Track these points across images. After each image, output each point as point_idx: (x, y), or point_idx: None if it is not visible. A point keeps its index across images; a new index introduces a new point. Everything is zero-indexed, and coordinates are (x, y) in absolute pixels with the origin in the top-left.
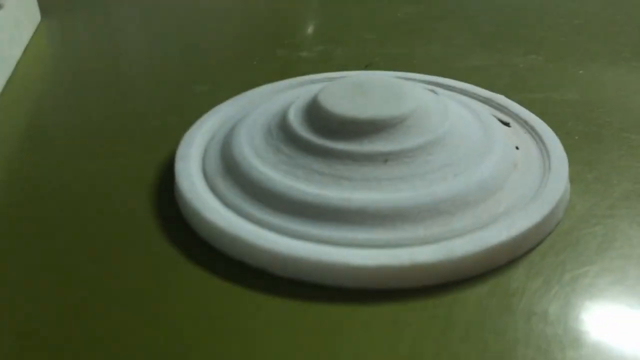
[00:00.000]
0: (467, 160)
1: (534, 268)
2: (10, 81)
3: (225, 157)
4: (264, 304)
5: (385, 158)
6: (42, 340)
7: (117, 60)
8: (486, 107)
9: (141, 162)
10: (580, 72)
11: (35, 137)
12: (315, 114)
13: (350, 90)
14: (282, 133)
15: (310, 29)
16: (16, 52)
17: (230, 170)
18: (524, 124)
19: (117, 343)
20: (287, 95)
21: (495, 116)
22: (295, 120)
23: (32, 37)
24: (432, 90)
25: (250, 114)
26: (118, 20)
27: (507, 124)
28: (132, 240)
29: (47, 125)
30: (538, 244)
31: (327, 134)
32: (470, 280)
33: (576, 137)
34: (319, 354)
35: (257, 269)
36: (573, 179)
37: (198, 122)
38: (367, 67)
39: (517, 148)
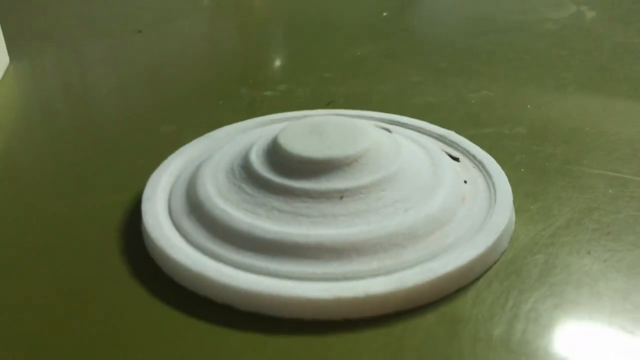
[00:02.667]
0: (418, 195)
1: (480, 296)
2: None
3: (190, 196)
4: (228, 338)
5: (341, 195)
6: None
7: (86, 101)
8: (438, 143)
9: (109, 203)
10: (528, 106)
11: (3, 178)
12: (275, 154)
13: (309, 131)
14: (244, 173)
15: (272, 69)
16: None
17: (195, 210)
18: (473, 158)
19: None
20: (250, 136)
21: (446, 152)
22: (256, 160)
23: (1, 80)
24: (387, 129)
25: (214, 154)
26: (86, 61)
27: (456, 159)
28: (99, 278)
29: (14, 166)
30: (484, 273)
31: (287, 173)
32: (420, 309)
33: (522, 170)
34: None
35: (222, 304)
36: (518, 210)
37: (164, 164)
38: (328, 105)
39: (465, 182)
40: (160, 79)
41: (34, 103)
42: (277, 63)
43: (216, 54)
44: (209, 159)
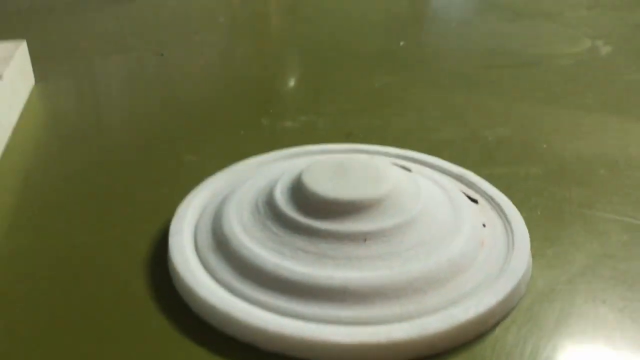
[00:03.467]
0: (439, 239)
1: (499, 342)
2: (7, 148)
3: (216, 232)
4: None
5: (364, 237)
6: None
7: (109, 126)
8: (456, 183)
9: (135, 234)
10: (544, 146)
11: (30, 207)
12: (300, 194)
13: (332, 171)
14: (269, 211)
15: (292, 97)
16: (13, 118)
17: (221, 246)
18: (491, 200)
19: None
20: (272, 170)
21: (464, 192)
22: (281, 198)
23: (27, 101)
24: (406, 168)
25: (238, 188)
26: (108, 83)
27: (475, 201)
28: (127, 314)
29: (37, 192)
30: (503, 319)
31: (311, 213)
32: (441, 355)
33: (538, 213)
34: None
35: (247, 344)
36: (535, 254)
37: (189, 196)
38: (347, 137)
39: (484, 225)
40: (181, 102)
41: (57, 128)
42: (297, 92)
43: (235, 77)
44: (233, 194)
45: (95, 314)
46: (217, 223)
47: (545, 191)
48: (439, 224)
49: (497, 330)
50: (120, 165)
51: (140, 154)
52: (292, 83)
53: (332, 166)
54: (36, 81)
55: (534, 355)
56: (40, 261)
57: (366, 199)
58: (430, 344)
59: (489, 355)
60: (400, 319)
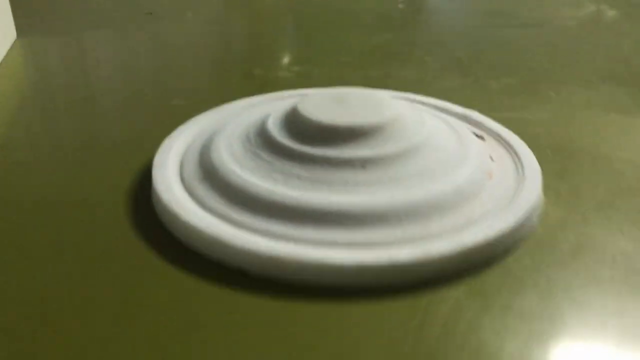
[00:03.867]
0: (443, 168)
1: (510, 270)
2: None
3: (204, 163)
4: (241, 302)
5: (363, 163)
6: (24, 338)
7: (94, 76)
8: (461, 122)
9: (119, 170)
10: (552, 94)
11: (17, 146)
12: (295, 122)
13: (330, 101)
14: (261, 140)
15: (287, 52)
16: None
17: (209, 176)
18: (499, 137)
19: (97, 342)
20: (265, 108)
21: (470, 130)
22: (274, 128)
23: (7, 53)
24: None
25: (228, 124)
26: (94, 42)
27: (481, 138)
28: (110, 243)
29: (25, 138)
30: (513, 249)
31: (306, 140)
32: (447, 279)
33: (548, 152)
34: (301, 349)
35: (236, 269)
36: (546, 190)
37: (176, 132)
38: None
39: (491, 159)
40: (171, 60)
41: (40, 77)
42: (291, 47)
43: (227, 39)
44: (223, 128)
45: (79, 243)
46: (205, 154)
47: (555, 133)
48: (444, 153)
49: (509, 258)
50: (104, 110)
51: (126, 101)
52: (287, 40)
53: (330, 97)
54: (18, 36)
55: (549, 283)
56: (25, 196)
57: (366, 124)
58: (435, 267)
59: (500, 283)
60: (402, 242)
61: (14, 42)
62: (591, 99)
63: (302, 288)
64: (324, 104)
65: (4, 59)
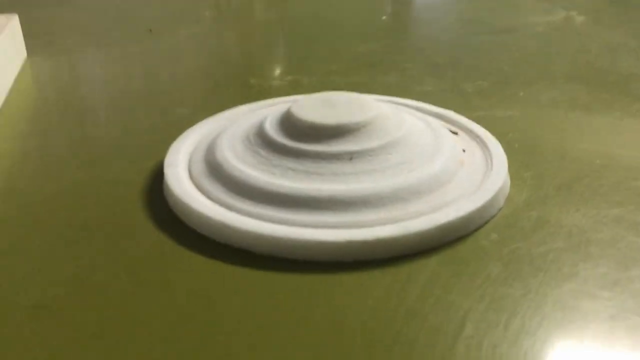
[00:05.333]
0: (420, 158)
1: (479, 243)
2: (3, 107)
3: (209, 161)
4: (248, 277)
5: (350, 156)
6: (56, 312)
7: (102, 89)
8: (438, 120)
9: (131, 171)
10: (521, 94)
11: (35, 154)
12: (289, 122)
13: (319, 104)
14: (260, 139)
15: (279, 63)
16: (6, 85)
17: (215, 172)
18: (470, 132)
19: (123, 317)
20: (262, 112)
21: (445, 127)
22: (271, 128)
23: (19, 72)
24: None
25: (229, 127)
26: (99, 58)
27: (455, 133)
28: (127, 234)
29: (41, 143)
30: (482, 226)
31: (299, 137)
32: (424, 254)
33: (516, 145)
34: (300, 313)
35: (241, 249)
36: (513, 178)
37: (182, 136)
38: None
39: (463, 151)
40: (171, 69)
41: (52, 91)
42: (283, 58)
43: (224, 52)
44: (225, 131)
45: (98, 235)
46: (210, 153)
47: (522, 129)
48: (421, 147)
49: (477, 233)
50: (113, 120)
51: (133, 110)
52: (277, 51)
53: (319, 100)
54: (29, 55)
55: (513, 253)
56: (43, 195)
57: (351, 122)
58: (413, 242)
59: (470, 253)
60: (385, 222)
61: (25, 60)
62: (556, 98)
63: (299, 263)
64: (315, 106)
65: (17, 77)
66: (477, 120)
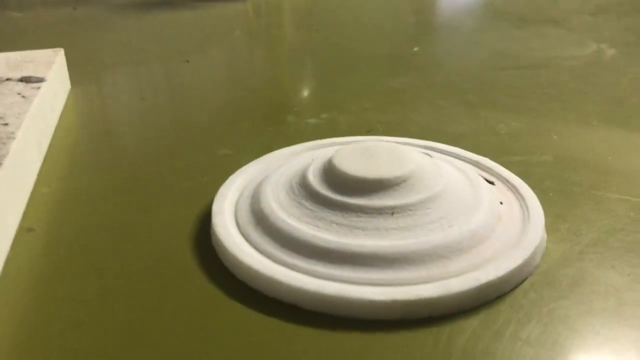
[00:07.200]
0: (460, 213)
1: (518, 303)
2: (52, 143)
3: (255, 211)
4: (295, 333)
5: (392, 211)
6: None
7: (144, 124)
8: (474, 168)
9: (179, 217)
10: (554, 137)
11: (80, 194)
12: (331, 174)
13: (359, 154)
14: (304, 190)
15: (314, 98)
16: (55, 118)
17: (261, 222)
18: (506, 182)
19: None
20: (302, 158)
21: (482, 176)
22: (314, 179)
23: (65, 103)
24: (428, 154)
25: (272, 174)
26: (138, 89)
27: (492, 183)
28: (176, 284)
29: (88, 184)
30: (520, 284)
31: (342, 191)
32: (464, 313)
33: (551, 194)
34: None
35: (289, 305)
36: (548, 229)
37: (227, 182)
38: (368, 132)
39: (501, 203)
40: (209, 104)
41: (97, 126)
42: (318, 92)
43: (259, 82)
44: (268, 178)
45: (147, 284)
46: (255, 203)
47: (557, 175)
48: (460, 200)
49: (516, 292)
50: (159, 159)
51: (177, 149)
52: (312, 85)
53: (359, 150)
54: (72, 86)
55: (551, 314)
56: (95, 239)
57: (392, 177)
58: (454, 302)
59: (509, 313)
60: (426, 280)
61: (69, 91)
62: (589, 141)
63: (346, 320)
64: (355, 157)
65: (63, 109)
66: (512, 166)
